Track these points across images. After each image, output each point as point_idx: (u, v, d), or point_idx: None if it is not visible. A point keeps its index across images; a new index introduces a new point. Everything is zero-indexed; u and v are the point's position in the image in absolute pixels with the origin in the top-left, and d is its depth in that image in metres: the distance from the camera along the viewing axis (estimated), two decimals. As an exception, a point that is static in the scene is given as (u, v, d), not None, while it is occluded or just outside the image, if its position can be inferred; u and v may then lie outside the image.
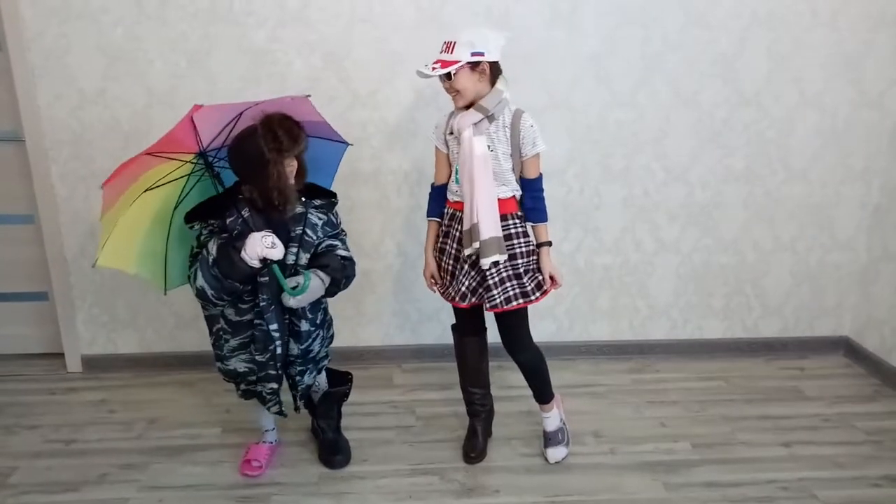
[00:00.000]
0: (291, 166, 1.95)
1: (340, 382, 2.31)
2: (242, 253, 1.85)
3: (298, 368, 2.11)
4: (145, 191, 1.95)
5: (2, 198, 2.81)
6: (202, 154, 2.02)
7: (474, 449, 2.32)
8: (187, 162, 2.02)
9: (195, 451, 2.37)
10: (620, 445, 2.40)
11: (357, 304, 2.91)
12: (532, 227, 2.13)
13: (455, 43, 1.96)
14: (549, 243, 2.13)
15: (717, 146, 2.81)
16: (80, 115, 2.61)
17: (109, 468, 2.27)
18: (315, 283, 1.97)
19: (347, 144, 2.29)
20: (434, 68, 1.94)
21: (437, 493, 2.16)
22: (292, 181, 1.95)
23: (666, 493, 2.16)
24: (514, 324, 2.17)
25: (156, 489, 2.17)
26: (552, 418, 2.33)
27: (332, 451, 2.29)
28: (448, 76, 1.95)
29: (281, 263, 1.95)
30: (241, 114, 1.99)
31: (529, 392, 2.67)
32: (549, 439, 2.32)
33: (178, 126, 1.93)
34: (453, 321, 2.33)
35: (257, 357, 2.05)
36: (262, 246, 1.84)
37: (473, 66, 1.96)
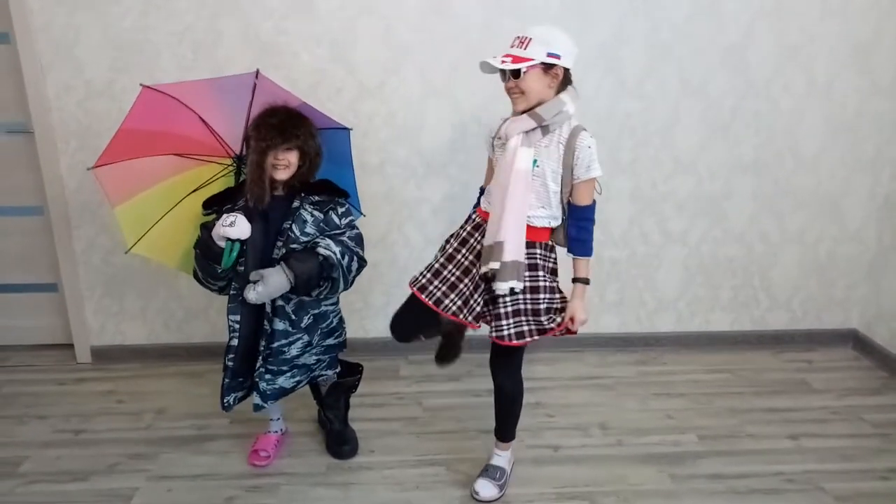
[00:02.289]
0: (279, 160, 1.92)
1: (350, 374, 2.32)
2: (212, 232, 1.91)
3: (268, 366, 2.03)
4: (192, 192, 2.09)
5: (11, 189, 2.83)
6: (239, 158, 2.09)
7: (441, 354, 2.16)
8: (228, 166, 2.12)
9: (203, 441, 2.38)
10: (627, 437, 2.40)
11: (364, 296, 2.92)
12: (573, 259, 1.92)
13: (530, 39, 1.75)
14: (587, 281, 1.91)
15: (726, 137, 2.80)
16: (87, 107, 2.62)
17: (118, 458, 2.29)
18: (276, 278, 1.89)
19: (347, 129, 2.16)
20: (504, 61, 1.74)
21: (444, 484, 2.16)
22: (278, 176, 1.94)
23: (672, 484, 2.16)
24: (512, 353, 1.99)
25: (164, 479, 2.19)
26: (502, 458, 2.15)
27: (340, 441, 2.30)
28: (517, 74, 1.75)
29: (266, 257, 1.97)
30: (249, 114, 2.02)
31: (539, 385, 2.72)
32: (487, 471, 2.12)
33: (168, 121, 1.98)
34: None
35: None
36: (221, 225, 1.88)
37: (547, 68, 1.77)
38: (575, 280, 1.92)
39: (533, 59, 1.74)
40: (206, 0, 2.53)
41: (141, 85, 1.93)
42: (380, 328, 3.00)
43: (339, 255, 1.97)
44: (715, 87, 2.73)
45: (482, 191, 2.05)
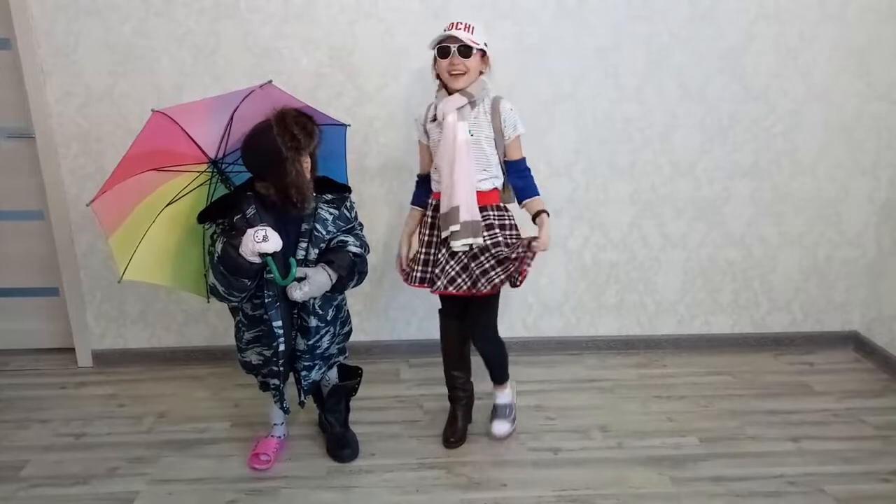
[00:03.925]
0: (307, 162, 1.95)
1: (350, 377, 2.33)
2: (240, 249, 1.86)
3: (304, 363, 2.11)
4: (167, 205, 2.01)
5: (12, 194, 2.84)
6: (214, 163, 2.04)
7: (454, 434, 2.36)
8: (202, 172, 2.05)
9: (204, 445, 2.38)
10: (627, 440, 2.40)
11: (364, 299, 2.93)
12: (527, 202, 2.15)
13: (473, 27, 2.02)
14: (547, 213, 2.13)
15: (725, 141, 2.80)
16: (88, 112, 2.63)
17: (119, 461, 2.29)
18: (321, 277, 1.97)
19: (345, 126, 2.24)
20: (461, 39, 1.99)
21: (444, 487, 2.16)
22: (309, 177, 1.96)
23: (673, 487, 2.16)
24: (485, 312, 2.24)
25: (165, 482, 2.19)
26: (505, 396, 2.40)
27: (340, 444, 2.30)
28: (468, 51, 2.00)
29: (289, 258, 1.96)
30: (232, 117, 1.99)
31: (538, 387, 2.73)
32: (497, 411, 2.38)
33: (158, 137, 1.92)
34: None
35: (264, 352, 2.09)
36: (253, 242, 1.84)
37: (482, 54, 2.06)
38: (539, 213, 2.11)
39: (479, 44, 2.02)
40: (206, 5, 2.54)
41: (152, 110, 1.90)
42: (380, 331, 3.00)
43: (363, 251, 2.10)
44: (713, 91, 2.73)
45: (418, 177, 2.29)
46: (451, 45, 2.01)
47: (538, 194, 2.17)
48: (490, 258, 2.10)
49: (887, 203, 2.89)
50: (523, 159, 2.18)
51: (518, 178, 2.16)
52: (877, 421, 2.51)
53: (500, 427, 2.36)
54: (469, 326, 2.29)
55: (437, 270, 2.16)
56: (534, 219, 2.13)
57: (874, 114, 2.79)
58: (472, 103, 2.07)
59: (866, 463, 2.27)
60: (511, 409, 2.40)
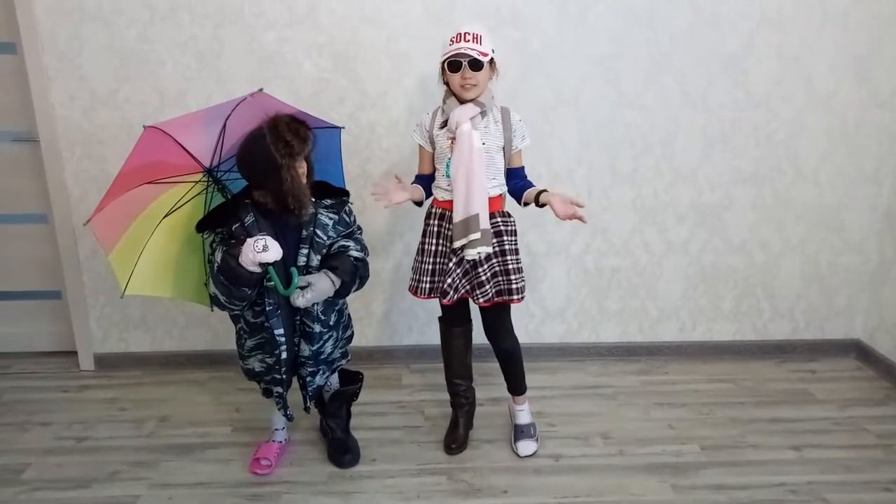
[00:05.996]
0: (302, 168, 1.95)
1: (351, 382, 2.33)
2: (240, 259, 1.86)
3: (309, 369, 2.11)
4: (165, 216, 2.00)
5: (16, 197, 2.85)
6: (209, 171, 2.02)
7: (456, 440, 2.37)
8: (198, 182, 2.04)
9: (205, 450, 2.39)
10: (629, 447, 2.40)
11: (366, 305, 2.93)
12: (528, 192, 2.16)
13: (481, 36, 2.01)
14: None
15: (726, 147, 2.80)
16: (92, 116, 2.65)
17: (120, 465, 2.29)
18: (324, 283, 1.98)
19: (339, 128, 2.25)
20: (471, 53, 1.98)
21: (445, 493, 2.16)
22: (305, 182, 1.96)
23: (674, 495, 2.15)
24: (501, 313, 2.26)
25: (166, 487, 2.19)
26: (525, 412, 2.40)
27: (341, 450, 2.30)
28: (479, 65, 1.99)
29: (290, 265, 1.96)
30: (224, 125, 1.98)
31: (540, 394, 2.72)
32: (522, 432, 2.37)
33: (152, 151, 1.91)
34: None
35: (266, 359, 2.09)
36: (253, 252, 1.83)
37: (491, 63, 2.05)
38: (541, 192, 2.12)
39: (489, 55, 2.02)
40: (210, 10, 2.55)
41: (144, 126, 1.90)
42: (381, 337, 3.01)
43: (363, 255, 2.10)
44: (715, 97, 2.74)
45: (417, 178, 2.25)
46: (462, 60, 1.99)
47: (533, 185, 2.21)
48: (499, 264, 2.17)
49: (889, 210, 2.89)
50: (523, 167, 2.22)
51: (519, 182, 2.20)
52: (878, 429, 2.50)
53: (527, 447, 2.34)
54: (486, 329, 2.30)
55: (448, 280, 2.16)
56: (537, 199, 2.12)
57: (876, 121, 2.79)
58: (483, 112, 2.08)
59: (868, 472, 2.26)
60: (535, 428, 2.40)
